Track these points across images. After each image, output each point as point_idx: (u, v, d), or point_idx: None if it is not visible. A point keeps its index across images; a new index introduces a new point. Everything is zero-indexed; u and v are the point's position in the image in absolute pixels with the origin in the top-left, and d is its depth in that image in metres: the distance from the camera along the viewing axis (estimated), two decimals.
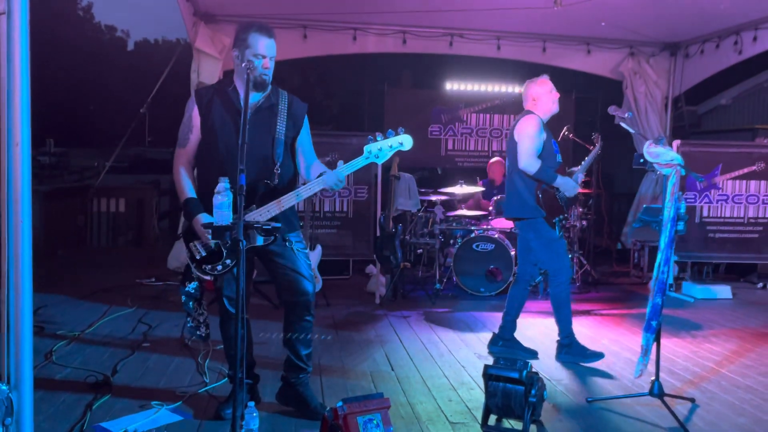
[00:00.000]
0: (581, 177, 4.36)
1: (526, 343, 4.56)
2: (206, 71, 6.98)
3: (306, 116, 3.26)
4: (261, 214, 2.97)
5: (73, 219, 9.06)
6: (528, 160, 4.15)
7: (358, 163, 3.04)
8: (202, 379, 3.76)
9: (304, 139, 3.26)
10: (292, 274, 3.15)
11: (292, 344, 3.25)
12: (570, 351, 4.27)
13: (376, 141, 3.02)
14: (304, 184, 3.08)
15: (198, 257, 3.04)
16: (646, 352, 3.38)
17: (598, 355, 4.23)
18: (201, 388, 3.62)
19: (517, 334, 4.51)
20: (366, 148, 3.02)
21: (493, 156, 8.82)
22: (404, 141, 3.02)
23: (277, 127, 3.10)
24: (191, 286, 3.12)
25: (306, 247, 3.28)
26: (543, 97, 4.27)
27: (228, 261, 3.00)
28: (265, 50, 3.00)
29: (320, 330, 4.93)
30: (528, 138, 4.18)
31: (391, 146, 3.01)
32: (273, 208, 2.99)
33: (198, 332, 3.20)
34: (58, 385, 3.61)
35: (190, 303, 3.15)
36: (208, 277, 3.06)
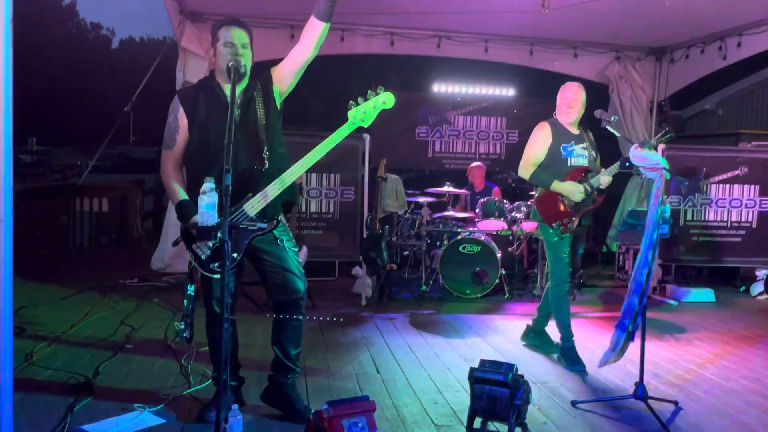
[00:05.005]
0: (603, 180, 4.26)
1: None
2: (192, 70, 6.93)
3: (270, 79, 3.16)
4: (248, 209, 2.94)
5: (56, 218, 8.94)
6: (521, 167, 4.38)
7: (345, 130, 2.98)
8: (186, 382, 3.72)
9: (283, 66, 3.15)
10: (283, 272, 3.13)
11: (282, 343, 3.22)
12: (539, 337, 4.58)
13: (359, 105, 2.98)
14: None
15: (204, 257, 3.00)
16: (614, 346, 3.40)
17: (554, 347, 4.47)
18: (184, 390, 3.58)
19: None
20: (350, 114, 2.96)
21: (479, 158, 8.85)
22: (386, 99, 2.96)
23: (258, 114, 3.07)
24: (191, 289, 3.09)
25: (296, 245, 3.26)
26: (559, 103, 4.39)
27: (234, 255, 2.94)
28: (232, 38, 3.00)
29: (306, 331, 4.89)
30: (528, 146, 4.40)
31: (374, 106, 2.96)
32: (259, 203, 2.97)
33: (184, 334, 3.17)
34: (38, 387, 3.55)
35: (190, 306, 3.11)
36: (216, 276, 3.01)
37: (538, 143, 4.33)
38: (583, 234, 4.54)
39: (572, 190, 4.23)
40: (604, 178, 4.26)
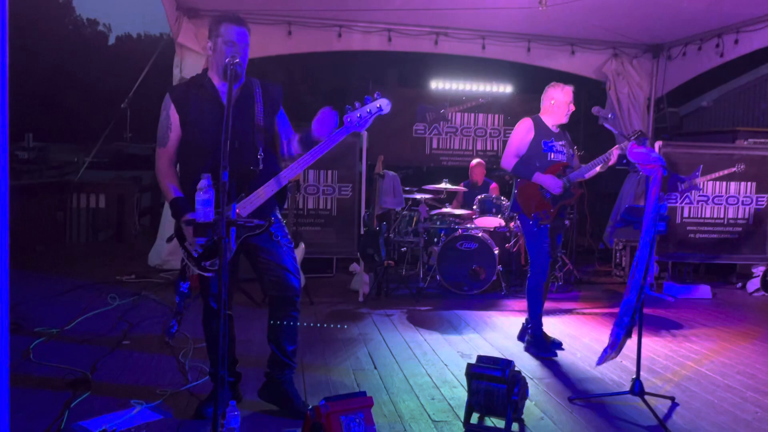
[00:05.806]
0: (582, 174, 4.45)
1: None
2: (189, 67, 6.91)
3: (281, 95, 3.23)
4: (243, 207, 2.94)
5: (52, 215, 8.93)
6: (504, 159, 4.56)
7: (339, 134, 2.98)
8: (183, 378, 3.72)
9: (281, 117, 3.24)
10: (278, 269, 3.13)
11: (278, 340, 3.23)
12: (533, 341, 4.52)
13: (355, 109, 2.97)
14: (284, 159, 3.04)
15: (196, 255, 2.99)
16: (613, 344, 3.41)
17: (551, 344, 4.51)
18: (182, 386, 3.58)
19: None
20: (345, 118, 2.96)
21: (477, 155, 8.85)
22: (383, 104, 2.96)
23: (256, 115, 3.07)
24: (185, 286, 3.07)
25: (291, 241, 3.26)
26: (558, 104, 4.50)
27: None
28: (236, 37, 2.98)
29: (303, 328, 4.91)
30: (511, 139, 4.58)
31: (370, 111, 2.96)
32: (255, 200, 2.96)
33: (172, 330, 3.17)
34: (35, 383, 3.55)
35: (182, 303, 3.10)
36: (209, 274, 3.00)
37: (521, 136, 4.50)
38: (560, 227, 4.70)
39: (552, 183, 4.40)
40: (584, 173, 4.44)
